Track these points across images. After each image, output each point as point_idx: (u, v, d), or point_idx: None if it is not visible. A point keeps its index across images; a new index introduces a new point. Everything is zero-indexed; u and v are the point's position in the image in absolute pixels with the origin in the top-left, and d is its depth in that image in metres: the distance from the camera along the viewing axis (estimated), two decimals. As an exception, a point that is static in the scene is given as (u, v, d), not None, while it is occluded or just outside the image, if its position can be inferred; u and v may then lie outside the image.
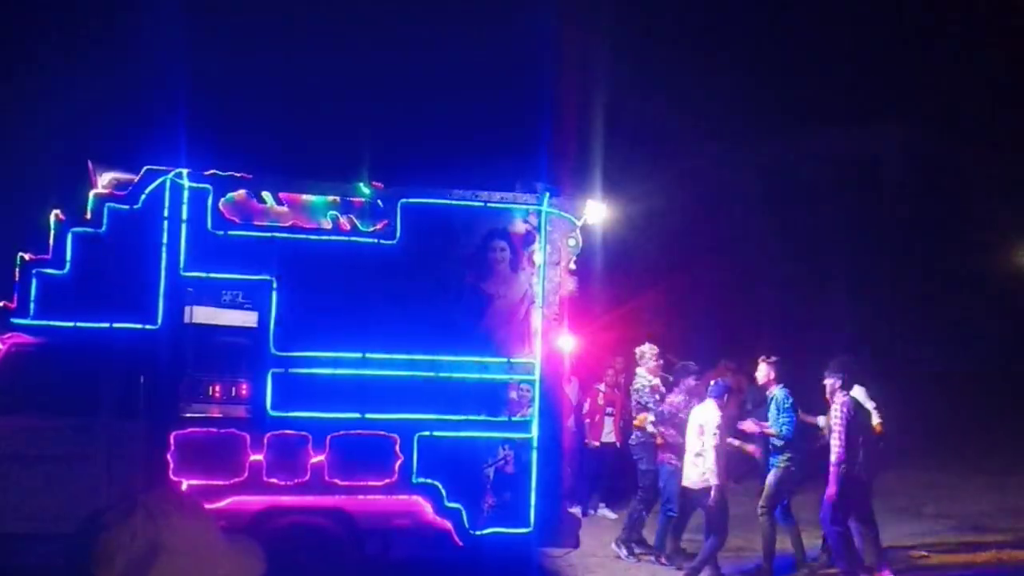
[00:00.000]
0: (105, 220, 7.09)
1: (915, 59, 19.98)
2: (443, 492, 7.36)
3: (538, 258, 7.65)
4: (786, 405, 8.54)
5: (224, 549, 1.53)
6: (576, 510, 9.78)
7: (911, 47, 20.09)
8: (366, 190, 7.50)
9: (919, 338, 19.11)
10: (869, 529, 8.55)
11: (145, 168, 7.19)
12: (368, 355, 7.32)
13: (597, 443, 11.18)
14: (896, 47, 20.19)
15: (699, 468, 8.23)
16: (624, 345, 11.97)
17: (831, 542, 8.42)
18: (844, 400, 8.28)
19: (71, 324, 6.95)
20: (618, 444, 11.20)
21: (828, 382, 8.48)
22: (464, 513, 7.38)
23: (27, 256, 7.01)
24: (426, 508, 7.34)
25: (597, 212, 7.94)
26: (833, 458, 8.17)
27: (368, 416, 7.29)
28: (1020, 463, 13.99)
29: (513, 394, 7.55)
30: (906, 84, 20.30)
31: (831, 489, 8.17)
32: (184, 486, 6.83)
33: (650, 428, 9.04)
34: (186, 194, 7.18)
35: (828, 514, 8.25)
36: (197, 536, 1.46)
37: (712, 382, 8.73)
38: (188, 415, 7.09)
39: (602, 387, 11.31)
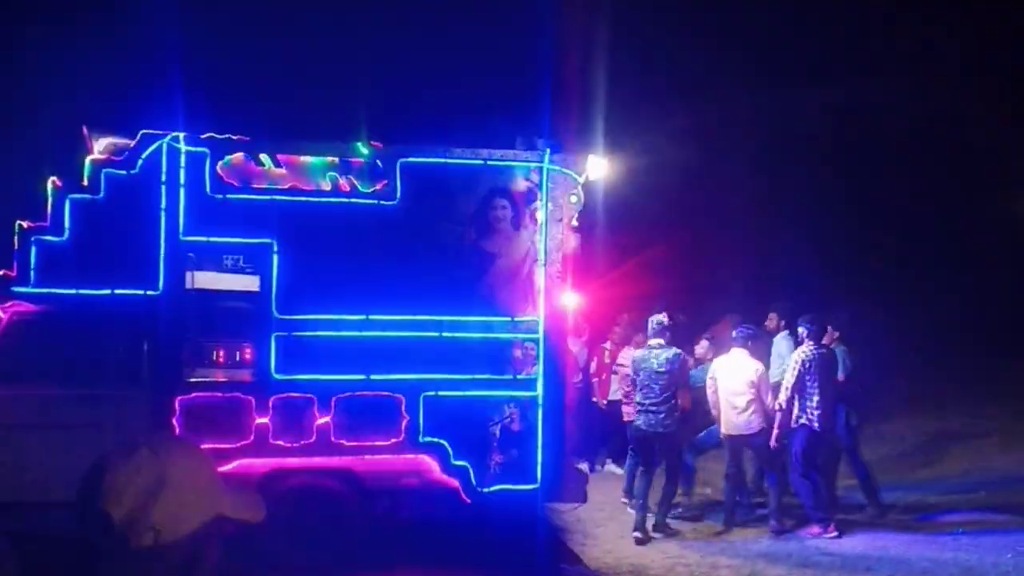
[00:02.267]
0: (103, 186, 7.03)
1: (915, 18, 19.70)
2: (450, 451, 7.38)
3: (540, 215, 7.60)
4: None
5: (226, 488, 1.58)
6: (583, 466, 9.83)
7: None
8: (365, 150, 7.42)
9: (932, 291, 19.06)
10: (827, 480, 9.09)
11: (141, 132, 7.12)
12: (371, 316, 7.30)
13: (605, 401, 11.21)
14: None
15: (747, 415, 8.68)
16: (628, 302, 11.97)
17: (801, 494, 8.63)
18: (809, 350, 8.67)
19: (72, 291, 6.93)
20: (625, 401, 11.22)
21: (800, 330, 8.90)
22: (471, 471, 7.41)
23: (26, 224, 6.97)
24: (433, 467, 7.37)
25: (599, 168, 7.86)
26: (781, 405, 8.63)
27: (373, 377, 7.29)
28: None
29: (517, 352, 7.54)
30: (908, 38, 20.03)
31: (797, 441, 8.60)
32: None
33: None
34: (183, 158, 7.11)
35: (796, 466, 8.64)
36: (200, 473, 1.50)
37: (733, 332, 8.91)
38: (192, 380, 7.09)
39: (608, 345, 11.31)
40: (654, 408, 8.53)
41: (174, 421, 6.93)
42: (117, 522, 1.71)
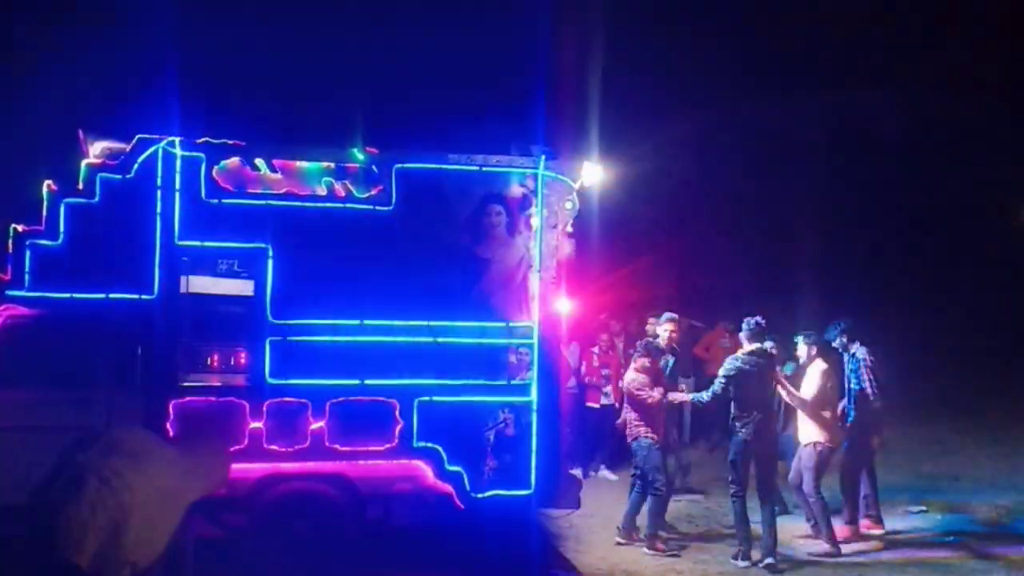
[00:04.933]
0: (98, 190, 7.03)
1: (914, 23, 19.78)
2: (444, 456, 7.38)
3: (535, 222, 7.62)
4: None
5: (187, 469, 1.49)
6: (577, 472, 9.82)
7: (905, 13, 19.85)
8: (360, 156, 7.44)
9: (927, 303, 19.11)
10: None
11: (137, 137, 7.12)
12: (366, 321, 7.30)
13: (597, 405, 11.25)
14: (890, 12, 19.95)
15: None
16: (622, 308, 12.01)
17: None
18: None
19: (67, 295, 6.91)
20: (617, 406, 11.26)
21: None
22: (465, 476, 7.41)
23: (20, 228, 6.96)
24: (427, 472, 7.37)
25: (594, 174, 7.88)
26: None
27: (367, 382, 7.29)
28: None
29: (512, 358, 7.55)
30: (904, 46, 20.09)
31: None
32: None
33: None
34: (179, 163, 7.12)
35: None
36: (159, 476, 1.41)
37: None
38: (186, 384, 7.09)
39: (597, 351, 11.36)
40: (770, 416, 8.24)
41: (168, 425, 6.93)
42: (86, 568, 1.59)
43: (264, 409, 7.14)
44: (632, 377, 8.46)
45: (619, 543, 8.49)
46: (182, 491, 1.73)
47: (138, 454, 1.72)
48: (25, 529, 1.56)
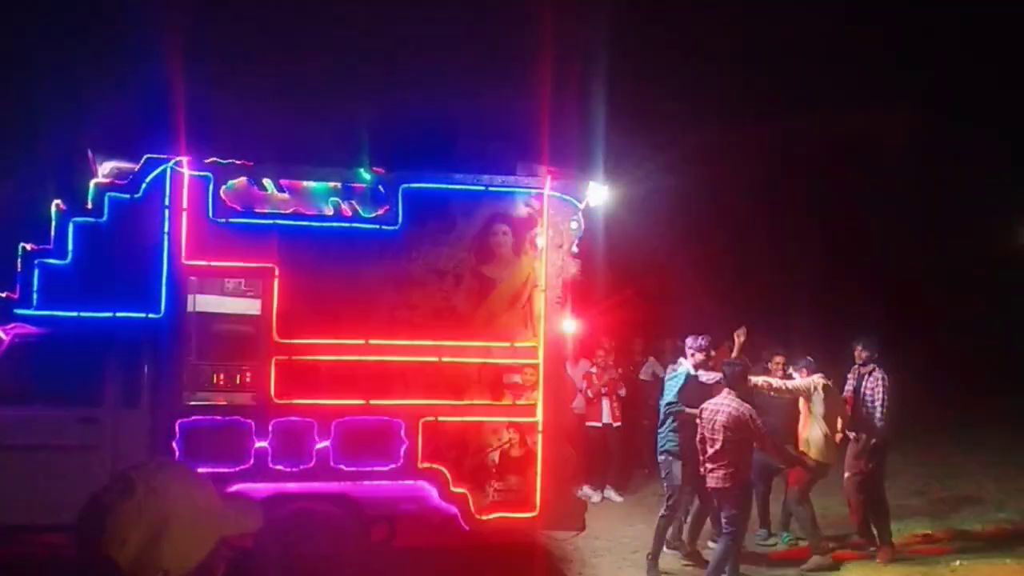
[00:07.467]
0: (106, 210, 7.06)
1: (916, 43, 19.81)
2: (448, 477, 7.36)
3: (540, 241, 7.63)
4: None
5: (225, 507, 1.55)
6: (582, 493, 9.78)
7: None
8: (367, 176, 7.47)
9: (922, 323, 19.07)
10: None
11: (145, 157, 7.16)
12: (371, 341, 7.31)
13: (599, 424, 11.23)
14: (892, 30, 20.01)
15: None
16: (629, 328, 12.00)
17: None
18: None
19: (74, 314, 6.93)
20: (613, 424, 11.23)
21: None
22: (470, 497, 7.39)
23: (29, 247, 7.00)
24: (432, 493, 7.35)
25: (599, 194, 7.91)
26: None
27: (372, 402, 7.28)
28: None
29: (517, 378, 7.55)
30: (908, 66, 20.14)
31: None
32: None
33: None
34: (187, 182, 7.15)
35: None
36: (201, 501, 1.47)
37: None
38: (193, 403, 7.11)
39: (594, 369, 11.33)
40: None
41: (173, 444, 6.93)
42: (124, 568, 1.66)
43: (270, 428, 7.14)
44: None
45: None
46: (218, 522, 1.78)
47: (185, 477, 1.79)
48: (75, 529, 1.65)
